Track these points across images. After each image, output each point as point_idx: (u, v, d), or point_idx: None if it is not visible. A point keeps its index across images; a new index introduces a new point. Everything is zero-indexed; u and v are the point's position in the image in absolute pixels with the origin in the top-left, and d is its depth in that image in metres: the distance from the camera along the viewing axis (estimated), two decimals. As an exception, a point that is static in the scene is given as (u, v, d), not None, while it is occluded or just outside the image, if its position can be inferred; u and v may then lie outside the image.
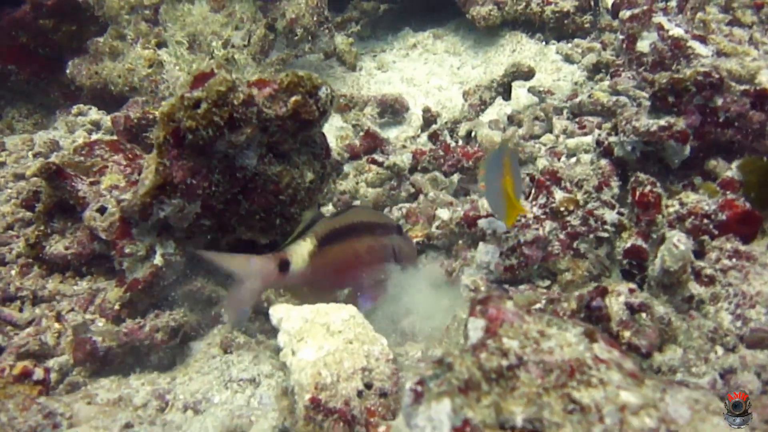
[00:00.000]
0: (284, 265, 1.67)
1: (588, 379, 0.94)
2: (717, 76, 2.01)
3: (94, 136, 3.22)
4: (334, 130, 3.22)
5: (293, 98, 1.81)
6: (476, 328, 0.99)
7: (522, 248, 1.83)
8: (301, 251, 1.71)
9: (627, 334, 1.33)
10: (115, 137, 2.62)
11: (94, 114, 3.37)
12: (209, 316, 1.87)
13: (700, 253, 1.80)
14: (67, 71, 3.50)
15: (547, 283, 1.92)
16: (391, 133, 3.19)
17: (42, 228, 2.07)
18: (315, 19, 3.43)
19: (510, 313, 1.01)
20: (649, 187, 1.83)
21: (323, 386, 1.25)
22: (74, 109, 3.39)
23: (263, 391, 1.56)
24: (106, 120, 3.25)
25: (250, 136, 1.78)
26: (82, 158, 2.16)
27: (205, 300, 1.87)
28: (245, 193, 1.84)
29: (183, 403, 1.60)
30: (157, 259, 1.80)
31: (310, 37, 3.45)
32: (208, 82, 1.69)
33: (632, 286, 1.53)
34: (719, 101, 2.04)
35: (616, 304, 1.44)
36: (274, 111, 1.79)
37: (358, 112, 3.20)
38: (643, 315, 1.46)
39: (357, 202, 2.63)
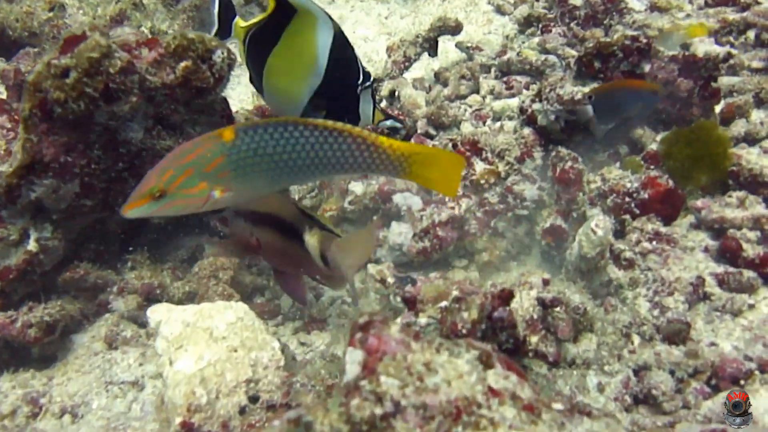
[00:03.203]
0: None
1: (477, 421, 0.83)
2: (645, 40, 1.90)
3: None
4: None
5: (182, 64, 1.62)
6: (353, 361, 0.86)
7: (436, 229, 1.71)
8: None
9: (534, 339, 1.23)
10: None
11: (-10, 61, 3.06)
12: (95, 305, 1.70)
13: (620, 232, 1.72)
14: (-43, 15, 3.16)
15: (465, 262, 1.81)
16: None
17: None
18: (231, -39, 3.16)
19: (394, 341, 0.88)
20: (570, 163, 1.72)
21: (197, 407, 1.12)
22: (-34, 56, 3.07)
23: (146, 396, 1.42)
24: (4, 67, 2.96)
25: (135, 106, 1.59)
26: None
27: (90, 287, 1.70)
28: (131, 170, 1.66)
29: (60, 407, 1.45)
30: (32, 245, 1.61)
31: (225, -18, 3.18)
32: (78, 47, 1.48)
33: (546, 276, 1.43)
34: (647, 67, 1.93)
35: (527, 300, 1.34)
36: (160, 79, 1.60)
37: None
38: (557, 309, 1.37)
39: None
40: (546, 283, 1.41)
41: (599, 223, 1.50)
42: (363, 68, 1.76)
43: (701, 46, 2.40)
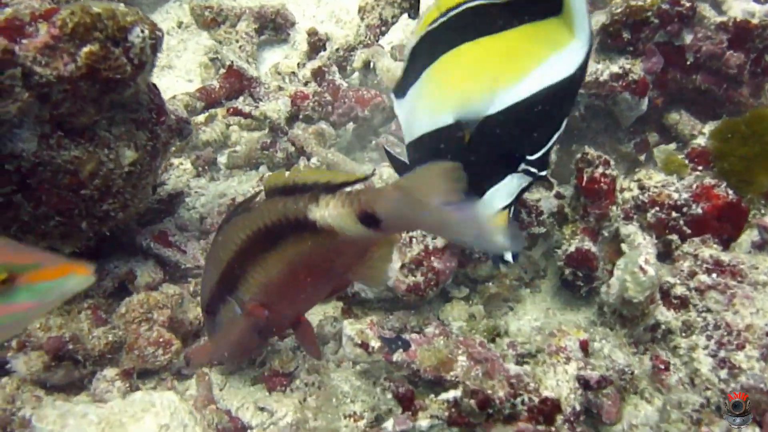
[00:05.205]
0: None
1: None
2: (688, 4, 1.50)
3: None
4: (201, 51, 2.57)
5: (85, 49, 1.18)
6: None
7: (430, 258, 1.32)
8: None
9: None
10: None
11: None
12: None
13: (664, 255, 1.35)
14: None
15: (465, 292, 1.43)
16: (274, 57, 2.56)
17: None
18: None
19: None
20: (601, 169, 1.33)
21: None
22: None
23: None
24: None
25: (23, 108, 1.17)
26: None
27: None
28: (25, 192, 1.24)
29: None
30: None
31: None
32: (-75, 32, 1.05)
33: (583, 336, 1.07)
34: (688, 38, 1.54)
35: (565, 383, 0.97)
36: (55, 70, 1.17)
37: (229, 29, 2.53)
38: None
39: (224, 156, 2.05)
40: (584, 348, 1.05)
41: (649, 258, 1.13)
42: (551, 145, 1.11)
43: (736, 3, 2.01)
